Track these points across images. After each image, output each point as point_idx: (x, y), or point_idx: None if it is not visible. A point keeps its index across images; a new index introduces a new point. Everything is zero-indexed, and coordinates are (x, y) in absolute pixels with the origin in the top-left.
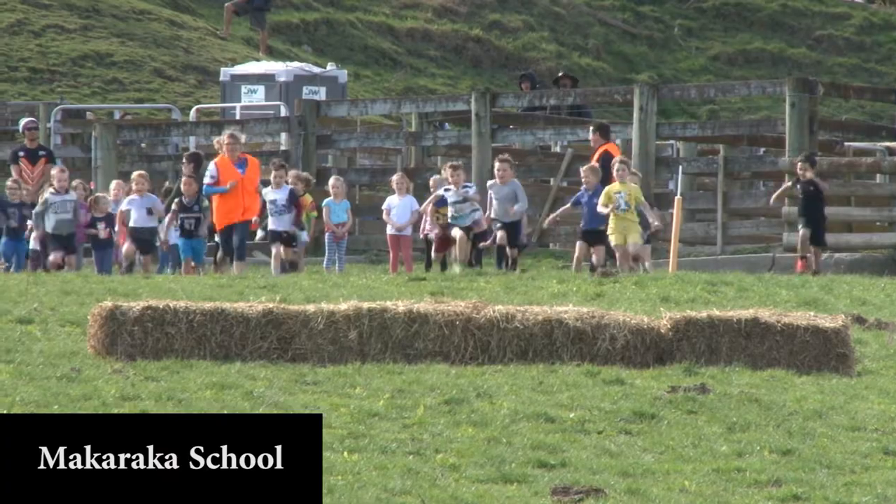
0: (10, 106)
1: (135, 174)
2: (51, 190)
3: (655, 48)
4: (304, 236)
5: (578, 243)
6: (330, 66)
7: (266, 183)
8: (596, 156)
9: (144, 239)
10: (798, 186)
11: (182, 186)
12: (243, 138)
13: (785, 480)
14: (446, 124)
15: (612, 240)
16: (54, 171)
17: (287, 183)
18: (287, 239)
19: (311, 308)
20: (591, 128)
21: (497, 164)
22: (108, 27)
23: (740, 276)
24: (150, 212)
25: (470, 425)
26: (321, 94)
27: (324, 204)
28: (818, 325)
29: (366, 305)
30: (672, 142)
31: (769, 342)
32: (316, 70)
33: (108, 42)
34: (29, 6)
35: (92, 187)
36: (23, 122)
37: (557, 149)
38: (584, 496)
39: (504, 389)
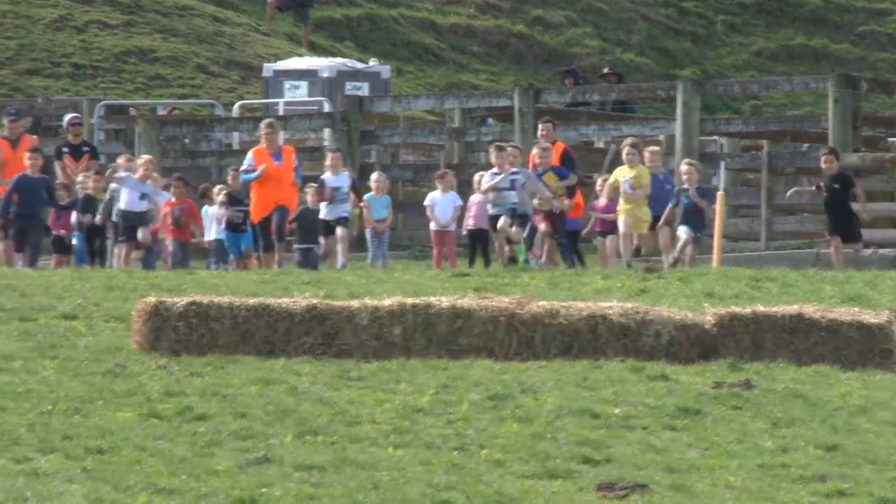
0: (54, 102)
1: (144, 158)
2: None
3: (699, 44)
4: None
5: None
6: (373, 62)
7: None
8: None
9: (132, 226)
10: (821, 183)
11: (230, 179)
12: (281, 133)
13: (830, 476)
14: (490, 120)
15: (622, 224)
16: (121, 160)
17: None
18: (341, 221)
19: (355, 304)
20: (546, 121)
21: (494, 154)
22: (151, 23)
23: (784, 271)
24: (142, 196)
25: (514, 421)
26: (364, 89)
27: (364, 199)
28: (862, 320)
29: (410, 301)
30: (715, 137)
31: (814, 338)
32: (359, 66)
33: (150, 38)
34: (72, 2)
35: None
36: (66, 117)
37: (601, 145)
38: (630, 492)
39: (548, 385)
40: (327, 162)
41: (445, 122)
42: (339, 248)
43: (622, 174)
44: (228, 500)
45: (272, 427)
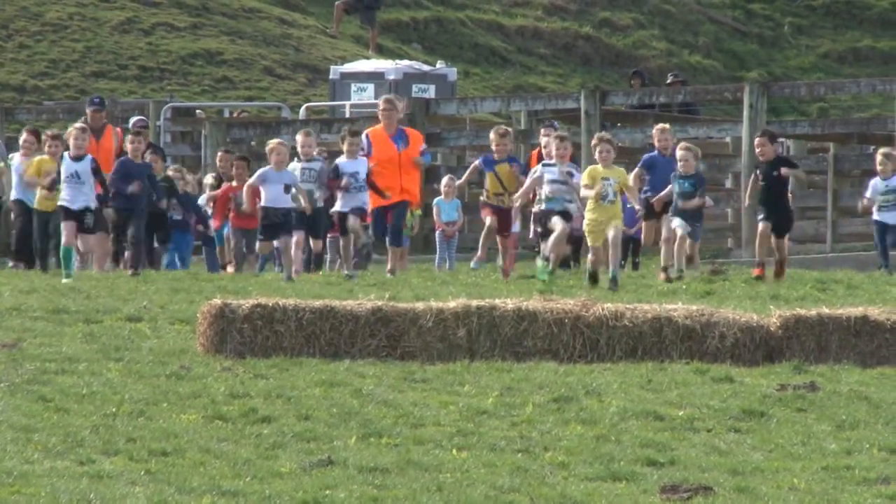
0: (121, 104)
1: (273, 142)
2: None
3: (765, 46)
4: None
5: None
6: (439, 65)
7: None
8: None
9: (276, 223)
10: (758, 171)
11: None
12: (402, 106)
13: (894, 478)
14: (556, 122)
15: (589, 240)
16: (299, 137)
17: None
18: (356, 211)
19: (420, 306)
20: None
21: (555, 143)
22: (218, 25)
23: (850, 273)
24: (287, 189)
25: (579, 423)
26: (431, 92)
27: (434, 203)
28: None
29: (475, 303)
30: (782, 140)
31: (879, 340)
32: (425, 68)
33: (217, 40)
34: (139, 4)
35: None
36: (133, 120)
37: None
38: (693, 494)
39: (613, 387)
40: (345, 147)
41: (512, 125)
42: (352, 240)
43: (602, 174)
44: (292, 502)
45: (336, 429)
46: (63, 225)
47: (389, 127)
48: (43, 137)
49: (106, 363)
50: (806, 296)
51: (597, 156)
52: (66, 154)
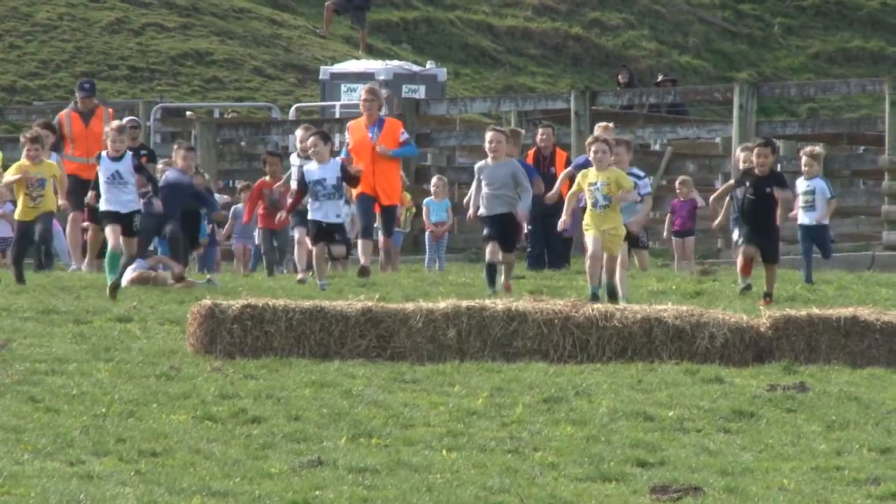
0: (111, 104)
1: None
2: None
3: (755, 46)
4: (348, 210)
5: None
6: (429, 65)
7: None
8: (562, 162)
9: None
10: (748, 183)
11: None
12: (385, 94)
13: (884, 479)
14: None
15: (591, 243)
16: (299, 132)
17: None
18: (332, 231)
19: (409, 306)
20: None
21: (488, 135)
22: (208, 25)
23: (840, 274)
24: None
25: (569, 424)
26: (420, 92)
27: (424, 203)
28: None
29: (465, 304)
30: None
31: (869, 340)
32: (415, 68)
33: (207, 40)
34: (129, 5)
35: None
36: (125, 120)
37: (657, 147)
38: (683, 494)
39: (603, 388)
40: (309, 148)
41: (502, 125)
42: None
43: (589, 179)
44: (282, 502)
45: (326, 429)
46: (107, 230)
47: (370, 118)
48: (21, 140)
49: (96, 364)
50: (796, 296)
51: (591, 157)
52: (103, 154)
